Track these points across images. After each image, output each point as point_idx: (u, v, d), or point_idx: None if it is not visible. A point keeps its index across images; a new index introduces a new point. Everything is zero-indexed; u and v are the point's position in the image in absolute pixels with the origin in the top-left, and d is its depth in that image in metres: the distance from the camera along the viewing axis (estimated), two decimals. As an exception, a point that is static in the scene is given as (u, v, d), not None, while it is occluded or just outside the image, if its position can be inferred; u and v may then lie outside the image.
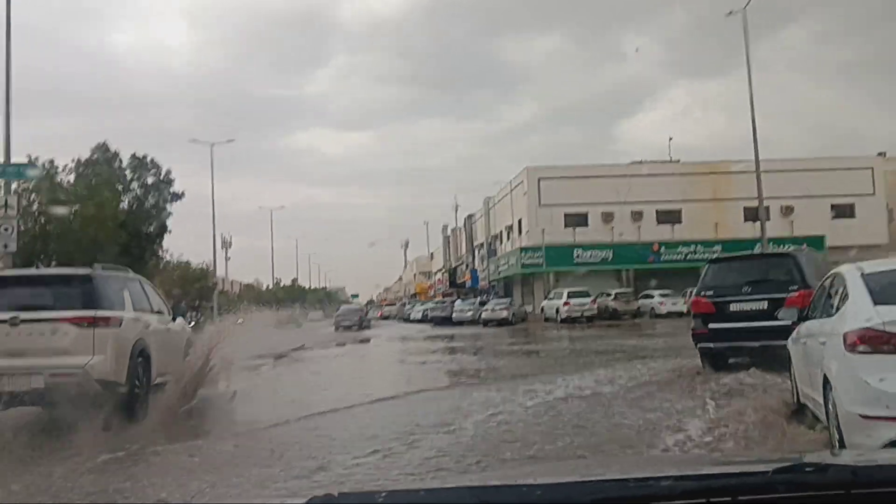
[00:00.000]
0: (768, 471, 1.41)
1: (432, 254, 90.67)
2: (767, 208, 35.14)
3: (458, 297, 53.63)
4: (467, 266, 65.01)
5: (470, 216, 66.11)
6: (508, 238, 52.56)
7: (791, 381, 7.86)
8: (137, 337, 8.47)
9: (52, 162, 27.24)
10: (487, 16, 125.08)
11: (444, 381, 13.77)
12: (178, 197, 33.81)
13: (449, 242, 75.37)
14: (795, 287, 10.32)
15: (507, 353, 20.22)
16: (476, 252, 62.87)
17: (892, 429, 4.67)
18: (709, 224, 45.02)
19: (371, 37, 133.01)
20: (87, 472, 6.20)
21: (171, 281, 33.45)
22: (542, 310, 40.00)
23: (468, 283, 62.04)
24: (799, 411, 7.31)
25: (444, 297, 61.76)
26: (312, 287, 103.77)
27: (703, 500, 1.33)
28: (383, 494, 1.46)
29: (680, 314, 37.24)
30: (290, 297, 76.28)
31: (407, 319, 54.67)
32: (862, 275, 5.63)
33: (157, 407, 8.45)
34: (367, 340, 31.71)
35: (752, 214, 41.65)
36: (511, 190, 51.64)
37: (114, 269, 9.60)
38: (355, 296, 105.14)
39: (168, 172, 33.70)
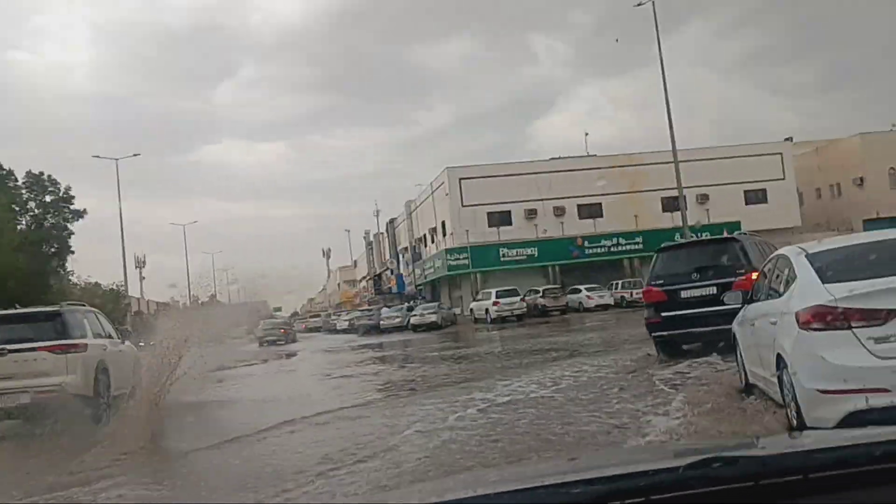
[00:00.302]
0: (680, 466, 1.39)
1: (356, 261, 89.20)
2: (685, 197, 35.71)
3: (384, 304, 52.58)
4: (392, 272, 64.13)
5: (392, 220, 65.33)
6: (433, 241, 52.01)
7: (738, 363, 7.86)
8: (99, 358, 10.32)
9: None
10: (396, 22, 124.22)
11: (372, 395, 12.44)
12: (80, 215, 32.38)
13: (372, 249, 74.34)
14: (742, 271, 10.35)
15: (441, 359, 19.44)
16: (400, 257, 62.09)
17: (850, 402, 4.74)
18: (629, 216, 45.62)
19: (280, 47, 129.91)
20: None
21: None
22: (472, 311, 39.57)
23: (394, 289, 61.27)
24: (747, 392, 7.28)
25: (370, 304, 60.57)
26: (232, 302, 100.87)
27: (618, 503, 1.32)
28: None
29: (607, 307, 37.76)
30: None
31: (333, 330, 53.30)
32: (806, 255, 5.72)
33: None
34: (292, 354, 30.55)
35: (669, 204, 42.49)
36: (433, 192, 51.12)
37: (76, 304, 12.05)
38: (278, 309, 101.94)
39: (68, 189, 32.27)
